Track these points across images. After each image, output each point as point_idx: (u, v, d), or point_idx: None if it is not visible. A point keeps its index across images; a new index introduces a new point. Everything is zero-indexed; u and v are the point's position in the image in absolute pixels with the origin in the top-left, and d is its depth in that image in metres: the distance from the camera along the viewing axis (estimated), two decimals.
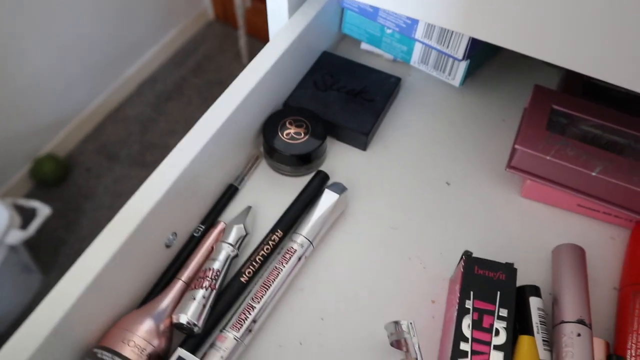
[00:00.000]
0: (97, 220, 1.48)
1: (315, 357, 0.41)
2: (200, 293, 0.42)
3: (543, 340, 0.39)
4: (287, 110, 0.52)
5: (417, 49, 0.54)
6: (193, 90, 1.76)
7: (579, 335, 0.39)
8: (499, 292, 0.40)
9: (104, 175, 1.57)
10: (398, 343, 0.40)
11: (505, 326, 0.38)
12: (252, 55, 1.79)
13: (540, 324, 0.40)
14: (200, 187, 0.46)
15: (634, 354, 0.38)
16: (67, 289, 0.36)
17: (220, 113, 0.45)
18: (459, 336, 0.38)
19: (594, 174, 0.44)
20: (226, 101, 0.46)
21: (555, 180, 0.47)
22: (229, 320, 0.42)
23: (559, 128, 0.48)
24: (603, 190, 0.46)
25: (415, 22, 0.51)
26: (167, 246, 0.44)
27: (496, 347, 0.38)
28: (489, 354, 0.37)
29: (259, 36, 1.81)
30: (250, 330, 0.41)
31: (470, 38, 0.48)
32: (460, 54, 0.50)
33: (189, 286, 0.43)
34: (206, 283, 0.42)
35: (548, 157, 0.45)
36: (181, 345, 0.41)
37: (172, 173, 0.42)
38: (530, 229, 0.48)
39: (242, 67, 1.80)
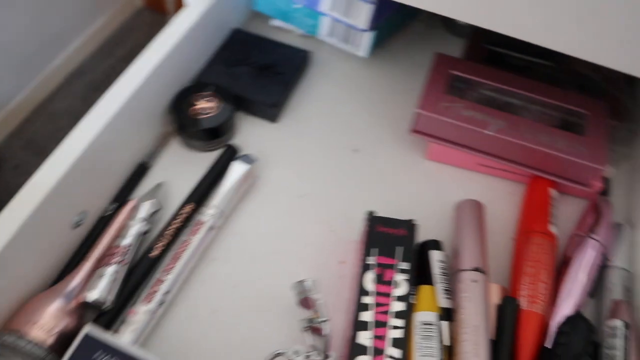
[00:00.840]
0: None
1: (228, 324, 0.42)
2: (110, 269, 0.42)
3: (444, 290, 0.42)
4: (197, 86, 0.52)
5: (325, 22, 0.55)
6: None
7: (474, 281, 0.41)
8: (399, 247, 0.42)
9: (33, 172, 1.52)
10: (305, 302, 0.41)
11: (406, 278, 0.40)
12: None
13: (442, 274, 0.42)
14: (108, 165, 0.46)
15: (525, 295, 0.41)
16: None
17: (125, 88, 0.45)
18: (362, 291, 0.40)
19: (488, 132, 0.47)
20: (132, 76, 0.46)
21: (455, 141, 0.50)
22: (139, 296, 0.42)
23: (458, 92, 0.50)
24: (499, 149, 0.49)
25: None
26: (77, 226, 0.44)
27: (398, 298, 0.39)
28: (389, 304, 0.39)
29: None
30: (162, 303, 0.42)
31: (373, 8, 0.50)
32: (363, 24, 0.51)
33: (99, 265, 0.43)
34: (116, 259, 0.43)
35: (446, 119, 0.48)
36: (94, 322, 0.41)
37: (75, 150, 0.41)
38: (435, 189, 0.50)
39: None
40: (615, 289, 0.42)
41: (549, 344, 0.39)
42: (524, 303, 0.41)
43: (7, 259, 0.37)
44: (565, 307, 0.41)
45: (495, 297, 0.42)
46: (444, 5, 0.38)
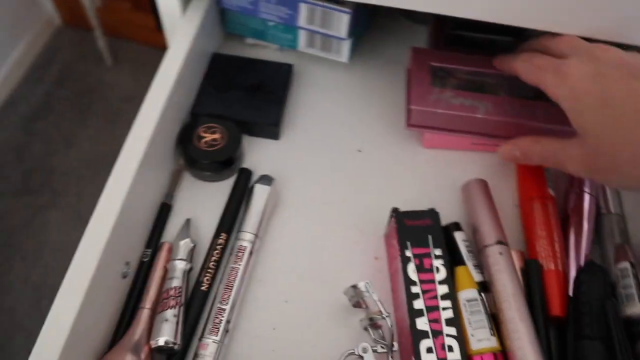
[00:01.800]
0: None
1: (290, 337, 0.46)
2: (170, 313, 0.44)
3: (474, 266, 0.47)
4: (197, 119, 0.53)
5: (302, 35, 0.57)
6: (62, 104, 1.67)
7: (500, 254, 0.46)
8: (430, 236, 0.46)
9: None
10: (358, 303, 0.45)
11: (442, 263, 0.45)
12: (115, 56, 1.72)
13: (468, 252, 0.47)
14: (139, 212, 0.47)
15: (543, 256, 0.47)
16: (47, 346, 0.37)
17: (141, 136, 0.47)
18: (408, 282, 0.44)
19: (479, 116, 0.52)
20: (143, 122, 0.47)
21: (450, 128, 0.54)
22: (204, 328, 0.45)
23: (441, 82, 0.54)
24: (490, 128, 0.53)
25: (296, 11, 0.54)
26: (124, 276, 0.46)
27: (440, 282, 0.44)
28: (436, 289, 0.44)
29: (118, 35, 1.73)
30: (227, 331, 0.44)
31: (350, 17, 0.53)
32: (343, 33, 0.54)
33: (156, 310, 0.45)
34: (172, 302, 0.45)
35: (439, 110, 0.52)
36: None
37: (113, 207, 0.43)
38: (439, 174, 0.55)
39: (107, 69, 1.73)
40: (614, 234, 0.49)
41: (572, 293, 0.45)
42: (544, 263, 0.46)
43: (79, 329, 0.39)
44: (579, 258, 0.47)
45: (518, 262, 0.47)
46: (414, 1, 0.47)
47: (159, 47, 1.71)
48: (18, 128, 1.61)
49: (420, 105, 0.52)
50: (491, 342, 0.42)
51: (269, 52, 0.63)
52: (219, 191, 0.52)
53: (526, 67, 0.47)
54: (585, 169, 0.43)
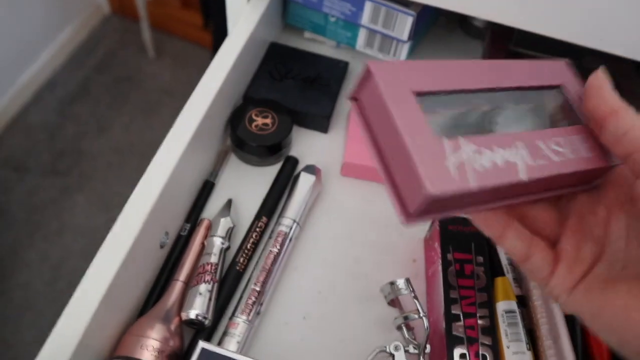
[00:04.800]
0: (15, 237, 1.40)
1: (320, 327, 0.45)
2: (203, 287, 0.44)
3: (513, 279, 0.46)
4: (251, 103, 0.54)
5: (362, 34, 0.58)
6: (100, 89, 1.70)
7: None
8: (472, 243, 0.45)
9: (14, 189, 1.48)
10: (394, 301, 0.44)
11: (483, 271, 0.44)
12: (158, 49, 1.75)
13: (509, 265, 0.46)
14: (183, 186, 0.47)
15: None
16: (82, 304, 0.37)
17: (195, 113, 0.47)
18: (448, 285, 0.43)
19: (524, 179, 0.29)
20: (200, 101, 0.48)
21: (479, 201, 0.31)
22: (236, 308, 0.44)
23: (442, 124, 0.29)
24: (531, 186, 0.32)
25: (360, 9, 0.54)
26: (162, 246, 0.46)
27: (480, 290, 0.43)
28: (475, 296, 0.43)
29: (163, 28, 1.76)
30: (258, 313, 0.44)
31: (414, 20, 0.53)
32: (405, 35, 0.55)
33: (189, 283, 0.45)
34: (207, 277, 0.44)
35: (472, 187, 0.26)
36: (195, 338, 0.43)
37: (162, 176, 0.43)
38: None
39: (149, 60, 1.76)
40: None
41: None
42: None
43: (115, 287, 0.39)
44: None
45: None
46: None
47: (203, 45, 1.74)
48: (54, 110, 1.64)
49: (441, 186, 0.25)
50: (526, 357, 0.41)
51: (324, 48, 0.63)
52: (263, 177, 0.52)
53: None
54: None
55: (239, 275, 0.46)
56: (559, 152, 0.30)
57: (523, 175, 0.28)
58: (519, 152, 0.29)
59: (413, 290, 0.42)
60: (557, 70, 0.34)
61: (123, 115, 1.65)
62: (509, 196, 0.31)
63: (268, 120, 0.52)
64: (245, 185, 0.52)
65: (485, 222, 0.33)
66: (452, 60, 0.30)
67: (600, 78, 0.31)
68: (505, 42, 0.60)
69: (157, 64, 1.76)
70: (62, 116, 1.63)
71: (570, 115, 0.33)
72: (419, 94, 0.28)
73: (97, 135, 1.61)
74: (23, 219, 1.44)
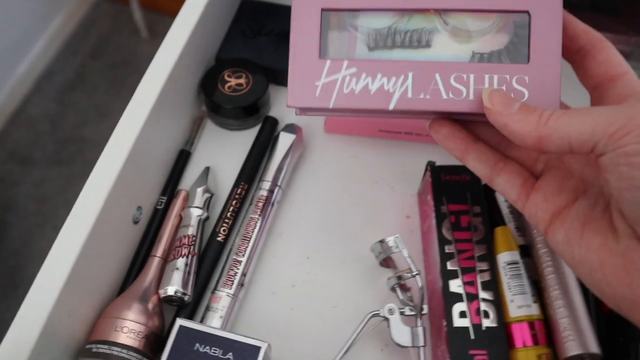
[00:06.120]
0: (27, 229, 1.40)
1: (310, 294, 0.42)
2: (181, 262, 0.41)
3: (515, 228, 0.42)
4: (223, 64, 0.50)
5: None
6: (96, 76, 1.67)
7: None
8: (468, 192, 0.42)
9: (22, 182, 1.47)
10: (386, 261, 0.41)
11: (481, 222, 0.40)
12: (151, 29, 1.71)
13: (510, 213, 0.43)
14: (153, 157, 0.44)
15: None
16: (45, 286, 0.34)
17: (157, 76, 0.43)
18: (443, 240, 0.40)
19: (390, 109, 0.31)
20: (160, 64, 0.44)
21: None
22: (218, 280, 0.41)
23: (337, 43, 0.32)
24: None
25: None
26: (135, 222, 0.43)
27: (478, 242, 0.40)
28: (473, 249, 0.39)
29: (154, 8, 1.72)
30: (242, 285, 0.41)
31: None
32: None
33: (167, 259, 0.42)
34: (184, 250, 0.42)
35: (330, 106, 0.32)
36: (176, 316, 0.41)
37: (124, 146, 0.40)
38: None
39: (143, 42, 1.72)
40: None
41: None
42: None
43: (82, 267, 0.36)
44: None
45: None
46: None
47: None
48: (54, 99, 1.62)
49: (300, 102, 0.32)
50: (532, 310, 0.38)
51: None
52: (243, 141, 0.49)
53: None
54: None
55: (221, 246, 0.44)
56: (455, 89, 0.31)
57: (392, 106, 0.31)
58: (405, 83, 0.31)
59: (404, 247, 0.39)
60: None
61: (121, 100, 1.61)
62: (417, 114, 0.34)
63: (242, 80, 0.49)
64: (224, 152, 0.49)
65: (447, 142, 0.34)
66: None
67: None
68: None
69: (151, 44, 1.72)
70: (62, 105, 1.61)
71: (516, 50, 0.31)
72: (327, 10, 0.32)
73: (98, 122, 1.59)
74: (32, 210, 1.43)
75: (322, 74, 0.32)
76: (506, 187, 0.33)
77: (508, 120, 0.28)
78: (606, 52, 0.30)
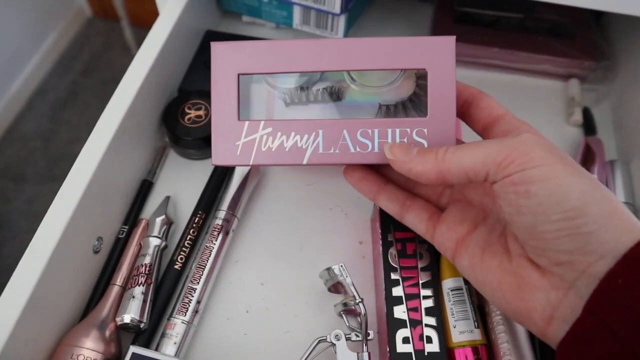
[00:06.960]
0: (20, 246, 1.41)
1: (264, 320, 0.44)
2: (138, 290, 0.43)
3: None
4: (183, 96, 0.52)
5: (297, 11, 0.55)
6: (88, 93, 1.69)
7: None
8: None
9: (15, 199, 1.49)
10: (335, 287, 0.43)
11: (427, 248, 0.42)
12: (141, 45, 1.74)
13: None
14: (115, 187, 0.46)
15: None
16: (0, 317, 0.36)
17: (117, 110, 0.45)
18: (389, 268, 0.41)
19: (304, 163, 0.36)
20: (121, 97, 0.46)
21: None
22: (173, 308, 0.43)
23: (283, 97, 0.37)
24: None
25: None
26: (96, 252, 0.44)
27: (423, 269, 0.41)
28: (418, 276, 0.41)
29: (145, 25, 1.75)
30: (196, 312, 0.42)
31: None
32: (337, 8, 0.52)
33: (126, 287, 0.44)
34: (141, 279, 0.43)
35: (250, 163, 0.36)
36: (133, 343, 0.42)
37: (82, 179, 0.41)
38: None
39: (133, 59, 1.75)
40: None
41: None
42: None
43: (39, 298, 0.37)
44: None
45: None
46: None
47: None
48: (46, 116, 1.64)
49: (224, 160, 0.36)
50: (475, 335, 0.39)
51: (265, 31, 0.61)
52: (206, 169, 0.51)
53: None
54: None
55: (178, 274, 0.45)
56: (362, 144, 0.34)
57: (305, 161, 0.35)
58: (317, 140, 0.35)
59: (347, 275, 0.40)
60: (433, 50, 0.34)
61: None
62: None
63: (201, 112, 0.50)
64: (186, 181, 0.51)
65: (360, 185, 0.38)
66: (307, 39, 0.36)
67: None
68: (451, 2, 0.57)
69: None
70: (55, 122, 1.64)
71: (419, 100, 0.35)
72: (243, 74, 0.35)
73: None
74: (25, 227, 1.45)
75: (241, 134, 0.35)
76: (415, 222, 0.37)
77: (410, 165, 0.31)
78: (486, 99, 0.34)
